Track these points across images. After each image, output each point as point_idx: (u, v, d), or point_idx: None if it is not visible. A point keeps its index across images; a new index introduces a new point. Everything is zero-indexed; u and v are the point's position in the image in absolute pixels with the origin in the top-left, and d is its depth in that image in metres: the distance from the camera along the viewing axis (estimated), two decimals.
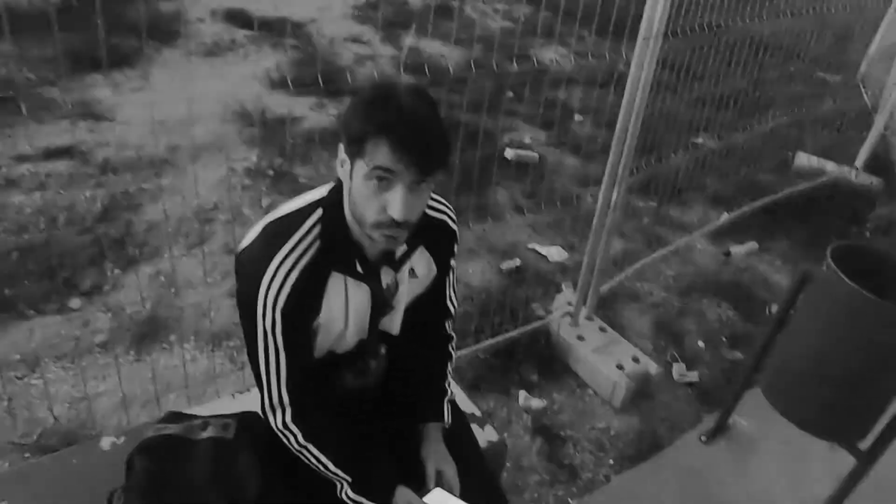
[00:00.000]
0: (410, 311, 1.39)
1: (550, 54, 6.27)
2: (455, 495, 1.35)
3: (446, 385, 1.49)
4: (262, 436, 1.32)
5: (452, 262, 1.43)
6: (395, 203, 1.07)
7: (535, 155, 4.24)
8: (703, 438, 2.44)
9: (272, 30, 5.67)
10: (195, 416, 1.38)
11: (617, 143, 2.43)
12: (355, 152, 1.09)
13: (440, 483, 1.37)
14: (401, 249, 1.28)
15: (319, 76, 2.61)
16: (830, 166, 4.61)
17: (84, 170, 3.54)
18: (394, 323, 1.38)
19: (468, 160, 3.32)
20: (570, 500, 2.24)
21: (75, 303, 2.79)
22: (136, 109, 4.14)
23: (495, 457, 1.66)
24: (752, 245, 3.77)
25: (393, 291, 1.31)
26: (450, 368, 1.52)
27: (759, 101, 5.04)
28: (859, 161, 4.62)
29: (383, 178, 1.06)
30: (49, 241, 3.01)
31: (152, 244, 3.12)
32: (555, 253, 3.42)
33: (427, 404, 1.46)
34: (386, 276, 1.28)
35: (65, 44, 4.41)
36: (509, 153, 4.14)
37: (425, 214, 1.27)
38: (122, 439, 1.48)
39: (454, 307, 1.50)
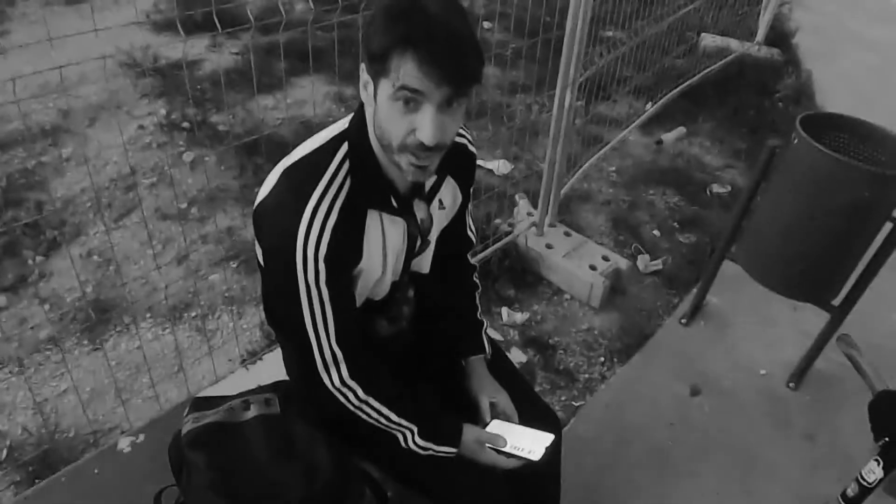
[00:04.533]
0: (437, 245, 1.31)
1: None
2: (514, 422, 1.33)
3: (479, 316, 1.44)
4: (306, 404, 1.23)
5: (471, 189, 1.35)
6: (425, 126, 0.95)
7: None
8: (683, 321, 2.54)
9: None
10: (224, 398, 1.25)
11: (567, 44, 2.36)
12: (378, 71, 0.96)
13: (495, 414, 1.34)
14: (431, 180, 1.18)
15: (214, 12, 2.19)
16: (734, 44, 4.76)
17: None
18: (425, 261, 1.30)
19: None
20: (573, 402, 2.29)
21: (1, 300, 2.49)
22: (4, 75, 3.63)
23: (529, 376, 1.65)
24: (680, 130, 3.87)
25: (428, 226, 1.21)
26: (478, 299, 1.46)
27: None
28: (759, 36, 4.80)
29: (410, 100, 0.95)
30: None
31: (72, 222, 2.81)
32: (500, 166, 3.37)
33: (466, 339, 1.41)
34: (419, 210, 1.18)
35: None
36: None
37: None
38: (142, 437, 1.34)
39: (474, 235, 1.43)
